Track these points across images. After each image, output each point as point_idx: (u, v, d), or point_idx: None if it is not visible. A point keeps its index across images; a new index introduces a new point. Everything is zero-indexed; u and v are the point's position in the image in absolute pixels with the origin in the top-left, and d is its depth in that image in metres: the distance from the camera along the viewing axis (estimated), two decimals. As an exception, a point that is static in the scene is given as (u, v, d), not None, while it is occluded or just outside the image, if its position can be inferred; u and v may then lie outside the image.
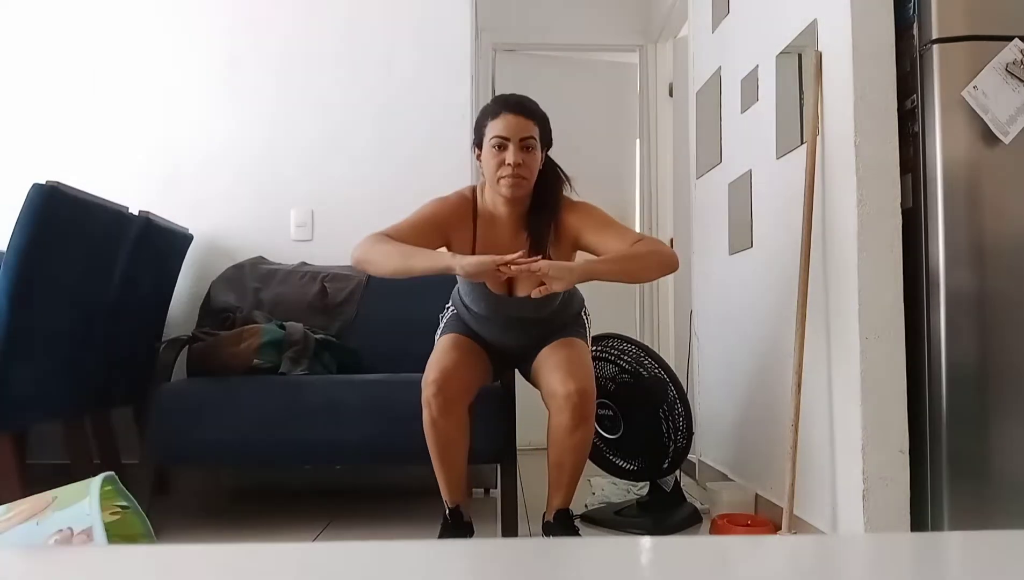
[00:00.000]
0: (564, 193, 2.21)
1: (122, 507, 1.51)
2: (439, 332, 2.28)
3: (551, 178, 2.19)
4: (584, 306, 2.34)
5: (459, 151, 3.15)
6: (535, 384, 2.20)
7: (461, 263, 1.91)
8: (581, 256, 2.17)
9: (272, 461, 2.62)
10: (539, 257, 1.95)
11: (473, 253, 2.13)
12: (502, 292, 2.16)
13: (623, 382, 2.50)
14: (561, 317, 2.23)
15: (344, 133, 3.25)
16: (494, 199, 2.16)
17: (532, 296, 1.91)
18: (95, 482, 1.45)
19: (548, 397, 2.07)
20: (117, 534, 1.46)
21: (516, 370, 2.35)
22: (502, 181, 2.09)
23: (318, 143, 3.25)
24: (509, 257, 1.88)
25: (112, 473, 1.50)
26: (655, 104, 4.47)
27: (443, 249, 2.14)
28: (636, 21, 4.49)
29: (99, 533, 1.36)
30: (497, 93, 3.15)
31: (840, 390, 2.00)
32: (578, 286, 2.19)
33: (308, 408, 2.39)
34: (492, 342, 2.24)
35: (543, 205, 2.16)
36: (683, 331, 3.67)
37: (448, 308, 2.33)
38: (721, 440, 2.97)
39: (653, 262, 2.06)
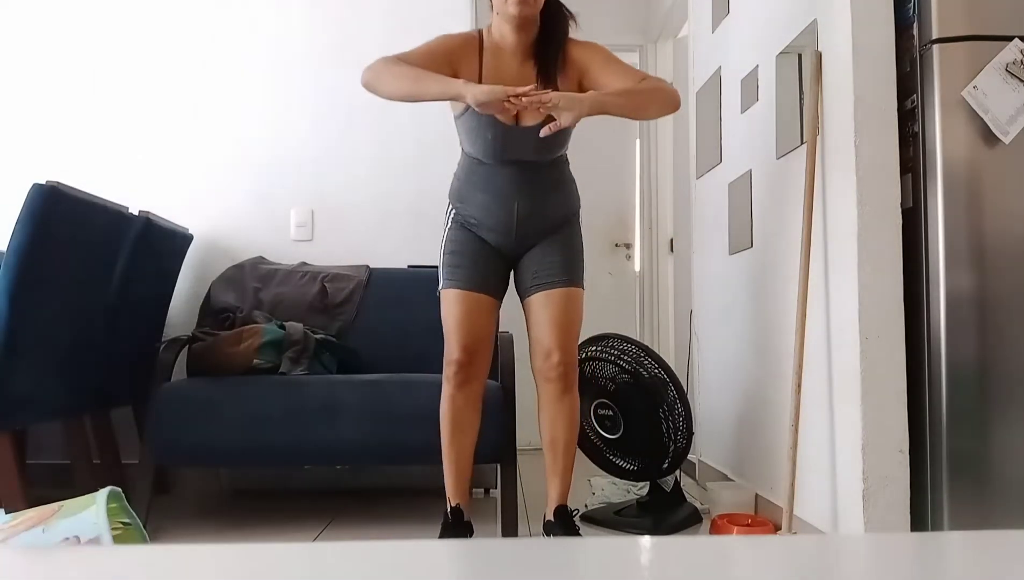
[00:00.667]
0: (571, 33, 2.20)
1: (124, 524, 1.51)
2: (441, 255, 2.19)
3: (556, 10, 2.18)
4: (579, 205, 2.27)
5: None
6: (525, 312, 2.19)
7: (472, 90, 1.88)
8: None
9: (272, 461, 2.62)
10: (548, 90, 1.94)
11: (479, 82, 2.10)
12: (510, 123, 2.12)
13: (623, 382, 2.50)
14: (559, 197, 2.18)
15: (344, 133, 3.25)
16: (501, 29, 2.15)
17: (541, 134, 1.92)
18: (102, 493, 1.46)
19: (534, 354, 2.14)
20: None
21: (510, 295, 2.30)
22: (511, 1, 2.06)
23: (318, 143, 3.25)
24: (521, 89, 1.87)
25: (119, 490, 1.51)
26: (655, 104, 4.46)
27: (457, 80, 2.09)
28: (636, 21, 4.49)
29: (107, 543, 1.37)
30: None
31: (840, 390, 2.00)
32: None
33: (308, 408, 2.39)
34: (492, 225, 2.14)
35: (550, 34, 2.16)
36: (683, 331, 3.67)
37: (448, 212, 2.22)
38: (721, 440, 2.97)
39: (658, 98, 2.08)
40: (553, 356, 2.10)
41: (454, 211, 2.20)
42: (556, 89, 2.05)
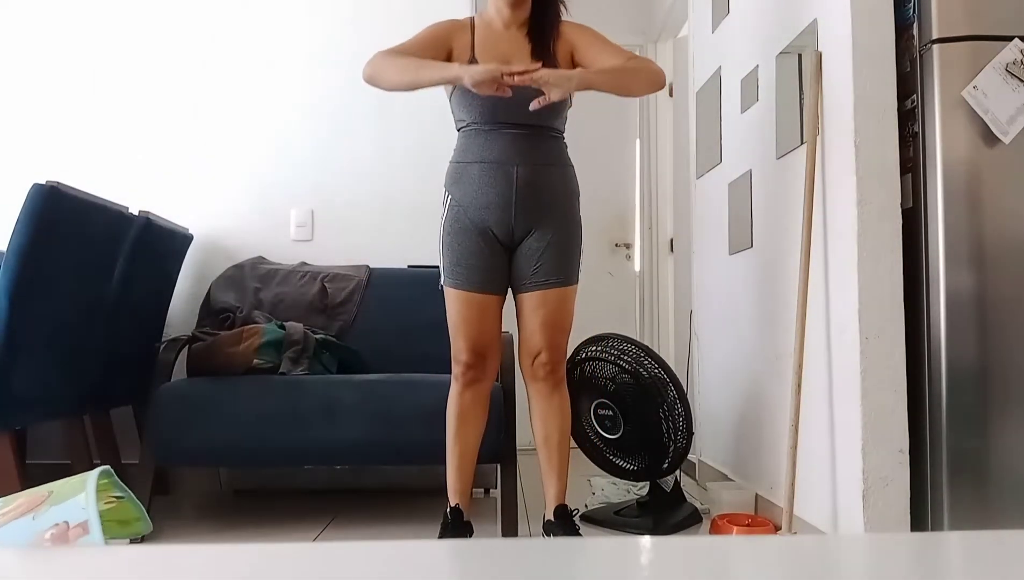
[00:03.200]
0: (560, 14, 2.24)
1: (117, 498, 1.51)
2: (440, 245, 2.18)
3: None
4: (578, 193, 2.27)
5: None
6: (516, 303, 2.20)
7: (468, 71, 1.94)
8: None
9: (272, 461, 2.62)
10: (540, 64, 1.98)
11: (472, 56, 2.16)
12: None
13: (623, 382, 2.50)
14: (558, 174, 2.17)
15: (344, 133, 3.25)
16: (496, 4, 2.19)
17: (531, 108, 1.95)
18: (92, 476, 1.45)
19: (523, 353, 2.18)
20: (113, 519, 1.46)
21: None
22: None
23: (318, 143, 3.25)
24: (515, 67, 1.92)
25: (108, 467, 1.50)
26: (655, 104, 4.47)
27: (453, 64, 2.13)
28: (636, 21, 4.49)
29: (95, 527, 1.36)
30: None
31: (840, 390, 2.00)
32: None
33: (308, 408, 2.39)
34: (491, 205, 2.12)
35: (543, 11, 2.21)
36: (683, 331, 3.67)
37: (444, 201, 2.21)
38: (721, 440, 2.97)
39: (643, 78, 2.12)
40: (542, 355, 2.14)
41: (450, 197, 2.18)
42: (553, 62, 2.12)
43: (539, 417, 2.19)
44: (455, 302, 2.16)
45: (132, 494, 1.54)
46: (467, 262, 2.13)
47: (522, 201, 2.11)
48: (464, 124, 2.17)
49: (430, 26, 2.22)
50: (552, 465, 2.17)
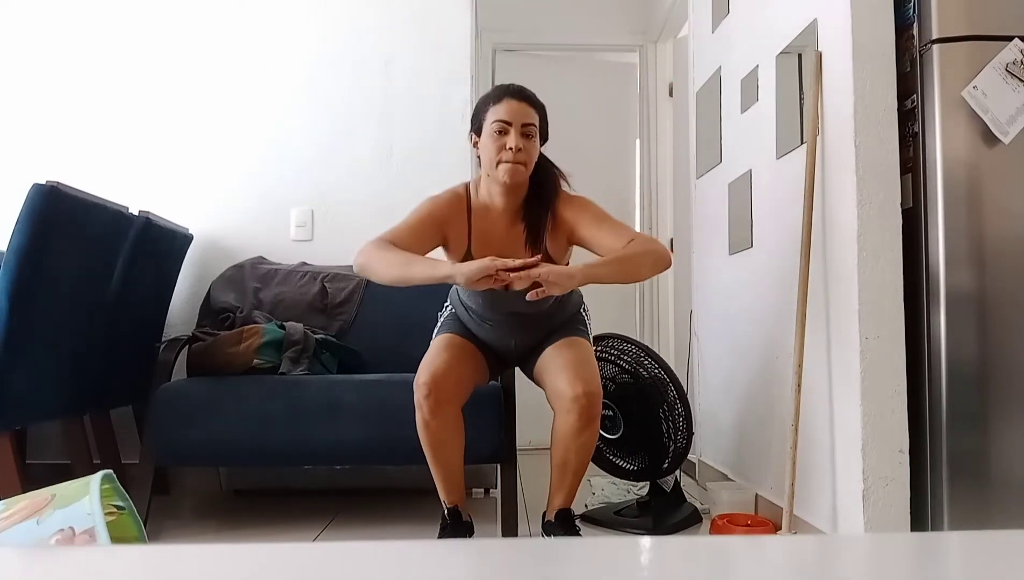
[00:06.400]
0: (562, 188, 2.21)
1: (118, 507, 1.51)
2: (436, 331, 2.27)
3: (546, 170, 2.19)
4: (583, 303, 2.33)
5: (459, 151, 3.15)
6: (539, 384, 2.20)
7: (461, 270, 1.87)
8: (576, 255, 2.17)
9: (272, 461, 2.62)
10: (539, 257, 1.94)
11: (469, 245, 2.14)
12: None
13: (623, 382, 2.50)
14: (560, 315, 2.23)
15: (344, 133, 3.25)
16: (490, 189, 2.15)
17: (528, 298, 1.88)
18: (95, 479, 1.45)
19: (554, 398, 2.06)
20: (111, 536, 1.45)
21: (518, 369, 2.35)
22: (501, 166, 2.07)
23: (318, 143, 3.25)
24: (511, 262, 1.85)
25: (111, 472, 1.50)
26: (655, 104, 4.47)
27: (443, 259, 2.14)
28: (636, 21, 4.49)
29: (102, 533, 1.36)
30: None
31: (840, 390, 2.00)
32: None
33: (308, 408, 2.39)
34: (491, 342, 2.24)
35: (539, 196, 2.16)
36: (683, 331, 3.67)
37: (447, 307, 2.33)
38: (721, 440, 2.97)
39: (648, 261, 2.05)
40: (576, 387, 1.99)
41: (453, 311, 2.28)
42: (544, 250, 2.11)
43: (560, 446, 2.05)
44: (434, 344, 2.17)
45: (132, 504, 1.53)
46: (462, 331, 2.22)
47: (521, 351, 2.24)
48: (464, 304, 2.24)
49: (426, 203, 2.17)
50: (563, 484, 2.09)
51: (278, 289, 2.97)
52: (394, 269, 1.99)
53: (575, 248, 2.22)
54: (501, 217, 2.16)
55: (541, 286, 1.86)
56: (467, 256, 2.12)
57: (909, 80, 1.96)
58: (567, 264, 2.19)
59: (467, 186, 2.22)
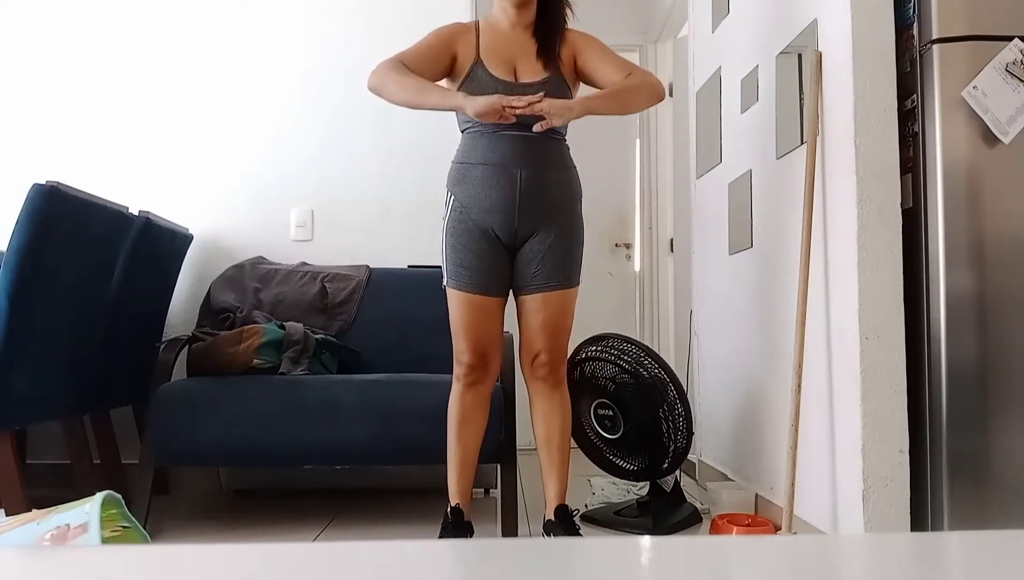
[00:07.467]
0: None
1: (124, 527, 1.51)
2: (443, 258, 2.18)
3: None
4: (581, 196, 2.27)
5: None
6: (518, 313, 2.22)
7: (471, 103, 1.98)
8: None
9: (272, 461, 2.62)
10: (542, 95, 2.00)
11: (477, 56, 2.18)
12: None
13: (623, 382, 2.50)
14: (560, 193, 2.17)
15: (344, 133, 3.25)
16: (502, 6, 2.22)
17: (533, 130, 2.01)
18: (98, 495, 1.47)
19: (523, 349, 2.20)
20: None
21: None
22: None
23: (318, 143, 3.25)
24: (516, 100, 1.96)
25: (119, 496, 1.51)
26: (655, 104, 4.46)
27: (457, 92, 2.15)
28: (636, 21, 4.49)
29: (94, 528, 1.37)
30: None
31: (840, 390, 2.00)
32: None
33: (308, 408, 2.39)
34: (495, 223, 2.13)
35: (550, 13, 2.23)
36: (683, 331, 3.67)
37: (447, 201, 2.20)
38: (721, 440, 2.97)
39: (643, 93, 2.15)
40: (541, 356, 2.16)
41: (453, 198, 2.18)
42: (557, 65, 2.17)
43: (540, 416, 2.21)
44: (457, 304, 2.16)
45: (140, 526, 1.54)
46: (470, 264, 2.13)
47: (525, 204, 2.12)
48: (468, 126, 2.18)
49: (434, 31, 2.23)
50: (553, 465, 2.19)
51: (278, 289, 2.97)
52: (408, 92, 2.07)
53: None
54: (512, 31, 2.21)
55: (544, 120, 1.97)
56: (475, 67, 2.16)
57: (909, 80, 1.96)
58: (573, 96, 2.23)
59: (477, 20, 2.30)
